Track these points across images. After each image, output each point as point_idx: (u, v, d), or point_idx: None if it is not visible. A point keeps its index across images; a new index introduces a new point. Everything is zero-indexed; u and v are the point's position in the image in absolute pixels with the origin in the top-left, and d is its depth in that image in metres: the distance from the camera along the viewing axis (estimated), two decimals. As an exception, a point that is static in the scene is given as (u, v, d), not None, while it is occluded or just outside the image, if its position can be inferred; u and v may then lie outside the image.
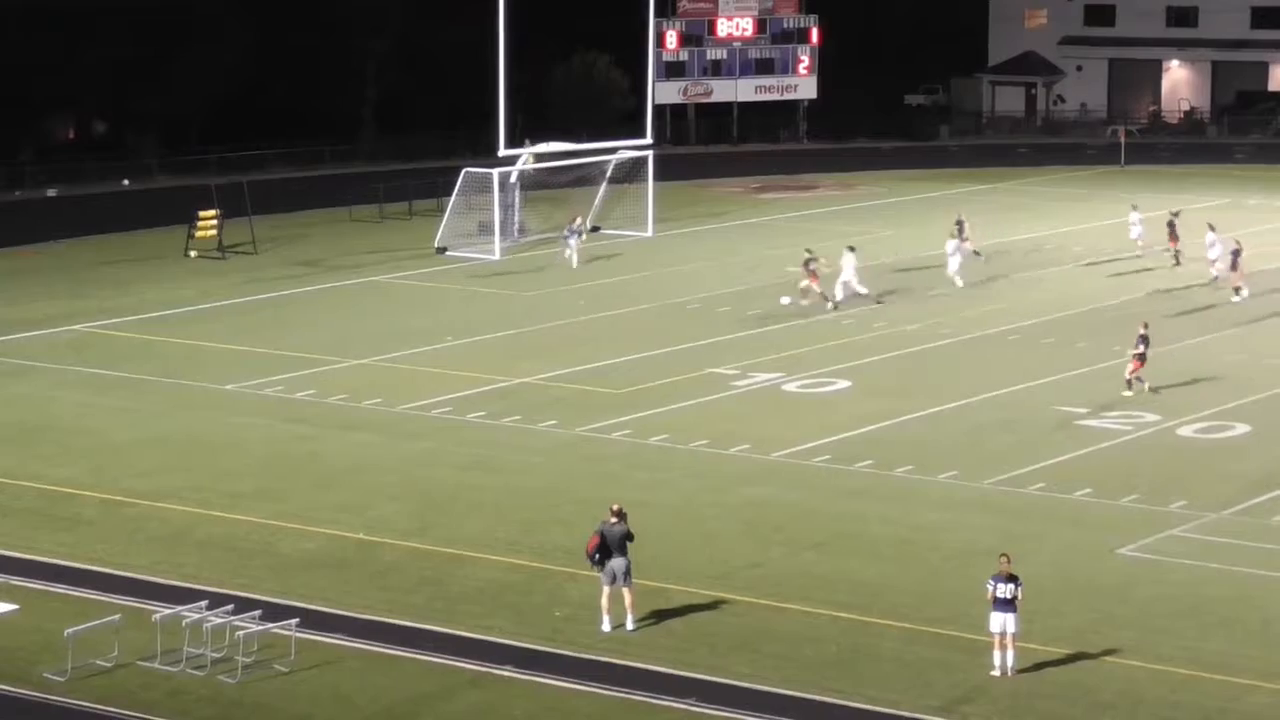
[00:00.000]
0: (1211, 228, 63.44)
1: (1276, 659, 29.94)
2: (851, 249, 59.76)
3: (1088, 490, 38.89)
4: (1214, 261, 62.16)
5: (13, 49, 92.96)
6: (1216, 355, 51.72)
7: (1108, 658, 29.90)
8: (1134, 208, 68.76)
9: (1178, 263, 64.79)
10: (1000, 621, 29.12)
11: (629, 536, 30.93)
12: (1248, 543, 35.66)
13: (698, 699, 28.26)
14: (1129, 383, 46.69)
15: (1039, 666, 29.49)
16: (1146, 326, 47.82)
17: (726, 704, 28.10)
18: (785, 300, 57.30)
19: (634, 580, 31.03)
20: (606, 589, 30.98)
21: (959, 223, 65.06)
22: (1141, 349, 46.76)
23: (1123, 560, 34.80)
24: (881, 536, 36.17)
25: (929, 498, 38.68)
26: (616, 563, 30.85)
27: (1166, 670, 29.42)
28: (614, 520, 30.97)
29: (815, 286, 57.14)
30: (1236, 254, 60.35)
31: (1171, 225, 65.42)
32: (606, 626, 30.95)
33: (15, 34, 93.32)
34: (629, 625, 30.98)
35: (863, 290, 58.29)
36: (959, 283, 61.10)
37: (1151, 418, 44.79)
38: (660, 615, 31.74)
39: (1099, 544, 35.55)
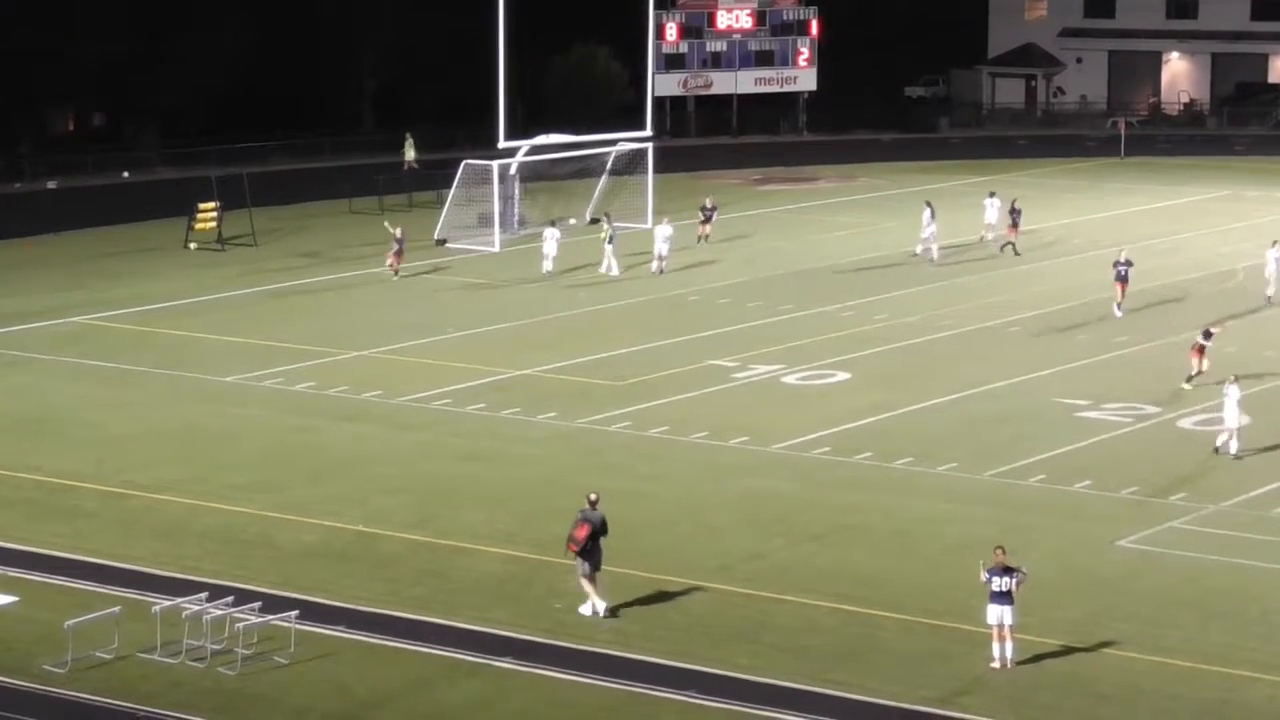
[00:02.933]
0: (928, 204, 66.25)
1: (1276, 651, 29.95)
2: (993, 194, 66.22)
3: (1087, 482, 38.89)
4: (991, 225, 66.42)
5: (12, 40, 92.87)
6: (1216, 347, 51.63)
7: (1107, 649, 29.92)
8: (991, 194, 69.98)
9: (1016, 252, 65.32)
10: (998, 614, 29.14)
11: (604, 525, 31.40)
12: (1247, 535, 35.68)
13: (697, 691, 28.27)
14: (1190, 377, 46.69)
15: (1038, 658, 29.50)
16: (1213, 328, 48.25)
17: (726, 696, 28.11)
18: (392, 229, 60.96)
19: (617, 570, 31.38)
20: (586, 576, 31.34)
21: (1014, 210, 65.88)
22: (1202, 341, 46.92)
23: (1122, 552, 34.81)
24: (881, 528, 36.17)
25: (929, 489, 38.68)
26: (593, 548, 31.22)
27: (1166, 662, 29.44)
28: (591, 508, 31.42)
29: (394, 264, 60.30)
30: (1016, 213, 64.61)
31: (1014, 213, 65.78)
32: (591, 611, 31.27)
33: (15, 25, 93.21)
34: (586, 610, 31.30)
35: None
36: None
37: (1151, 409, 44.79)
38: (660, 607, 31.76)
39: (1099, 536, 35.56)
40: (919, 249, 65.38)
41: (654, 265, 62.23)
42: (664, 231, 62.48)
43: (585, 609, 31.24)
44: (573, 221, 70.84)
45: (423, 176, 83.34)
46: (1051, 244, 68.78)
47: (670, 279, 61.77)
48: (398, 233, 61.92)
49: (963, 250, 66.18)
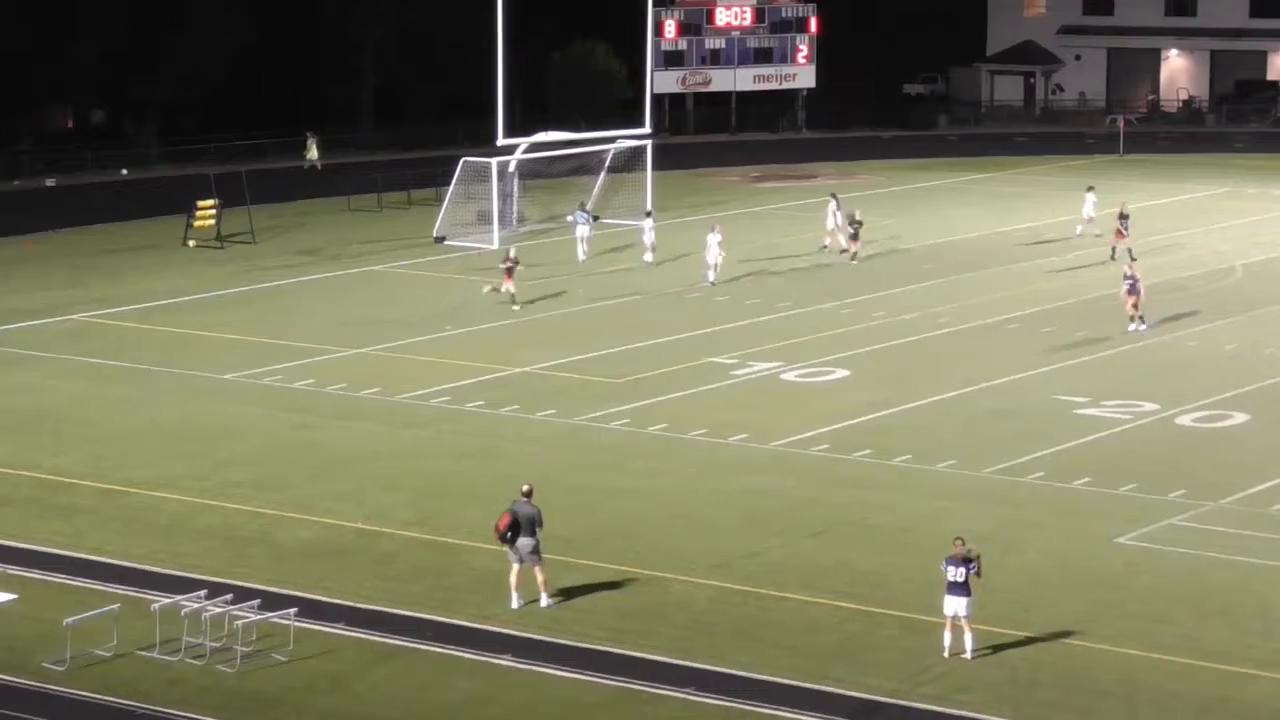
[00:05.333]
0: (833, 195, 67.71)
1: (1275, 647, 29.95)
2: (1091, 188, 68.32)
3: (1086, 479, 38.89)
4: (831, 231, 66.15)
5: (11, 37, 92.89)
6: (1215, 344, 51.71)
7: (1106, 646, 29.91)
8: (1090, 188, 70.28)
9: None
10: (952, 605, 29.23)
11: (538, 518, 31.40)
12: (1246, 531, 35.67)
13: (696, 688, 28.26)
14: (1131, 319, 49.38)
15: (1038, 655, 29.50)
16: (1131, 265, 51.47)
17: (725, 693, 28.11)
18: (486, 289, 57.55)
19: (544, 558, 31.45)
20: (515, 567, 31.38)
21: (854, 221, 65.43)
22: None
23: (1121, 549, 34.80)
24: (881, 525, 36.17)
25: (928, 486, 38.68)
26: (524, 542, 31.26)
27: (1165, 659, 29.43)
28: (524, 499, 31.42)
29: (508, 286, 56.32)
30: (857, 224, 64.31)
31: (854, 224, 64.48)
32: (515, 604, 31.31)
33: (13, 22, 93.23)
34: (543, 602, 31.33)
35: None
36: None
37: (1150, 406, 44.79)
38: (659, 604, 31.76)
39: (1098, 533, 35.56)
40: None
41: (708, 275, 59.88)
42: (715, 239, 60.10)
43: (513, 602, 31.32)
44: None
45: (325, 178, 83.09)
46: (1050, 242, 68.77)
47: (670, 277, 61.74)
48: (511, 252, 57.99)
49: (1065, 245, 66.40)
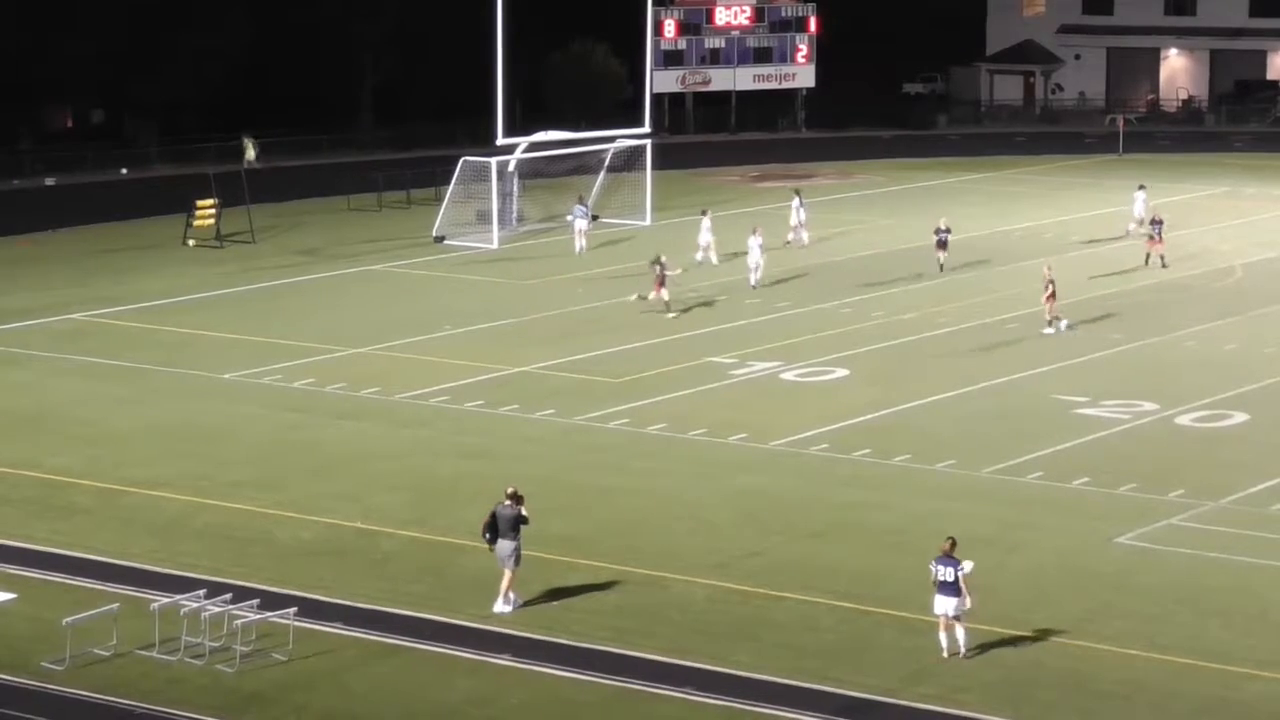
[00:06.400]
0: (797, 192, 69.05)
1: (1275, 647, 29.95)
2: (1143, 187, 69.38)
3: (1086, 479, 38.89)
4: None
5: (10, 36, 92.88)
6: (1214, 343, 51.71)
7: (1106, 646, 29.92)
8: (1141, 187, 70.36)
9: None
10: (942, 605, 29.25)
11: (522, 520, 31.36)
12: (1246, 531, 35.67)
13: (695, 687, 28.27)
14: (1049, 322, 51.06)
15: (1037, 655, 29.51)
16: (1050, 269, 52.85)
17: (724, 693, 28.11)
18: (634, 298, 55.75)
19: (519, 566, 31.39)
20: (504, 569, 31.43)
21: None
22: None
23: (1121, 549, 34.81)
24: (879, 525, 36.17)
25: (927, 486, 38.68)
26: (503, 545, 31.28)
27: (1165, 659, 29.44)
28: (508, 502, 31.42)
29: (661, 294, 54.95)
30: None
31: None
32: (499, 605, 31.37)
33: (12, 21, 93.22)
34: (497, 607, 31.25)
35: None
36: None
37: (1150, 406, 44.79)
38: (658, 604, 31.76)
39: (1097, 533, 35.56)
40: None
41: (751, 278, 59.30)
42: (756, 241, 59.43)
43: (495, 604, 31.32)
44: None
45: (264, 178, 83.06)
46: (1050, 241, 68.74)
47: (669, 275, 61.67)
48: (663, 258, 55.87)
49: (1104, 244, 66.34)
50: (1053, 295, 52.54)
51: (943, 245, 62.04)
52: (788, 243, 66.77)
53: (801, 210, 68.14)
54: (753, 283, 59.25)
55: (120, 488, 38.45)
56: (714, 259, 62.84)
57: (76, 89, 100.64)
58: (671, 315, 54.59)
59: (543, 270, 63.10)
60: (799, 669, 28.99)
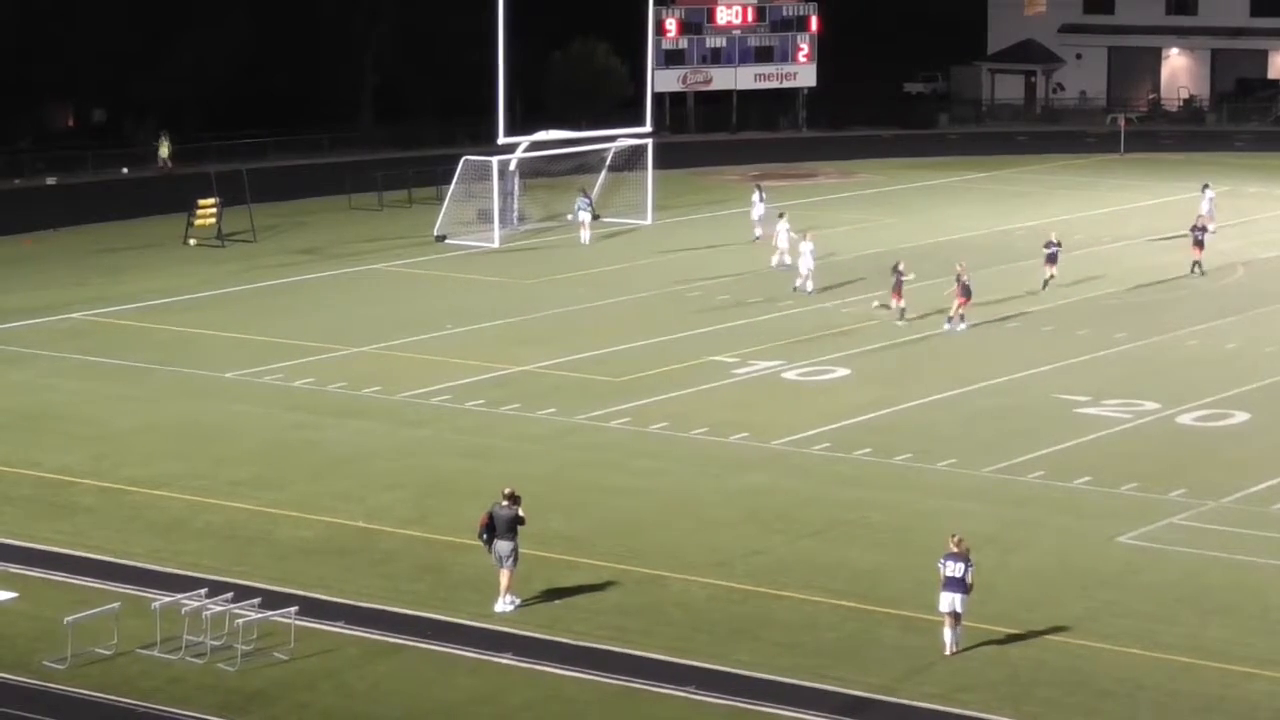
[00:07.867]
0: (758, 186, 69.82)
1: (1276, 646, 29.95)
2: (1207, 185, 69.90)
3: (1087, 478, 38.89)
4: (756, 222, 67.43)
5: (11, 35, 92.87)
6: (1216, 343, 51.73)
7: (1107, 645, 29.92)
8: (1205, 185, 71.22)
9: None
10: (949, 601, 29.24)
11: (519, 520, 31.36)
12: (1247, 530, 35.67)
13: (697, 686, 28.26)
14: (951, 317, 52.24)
15: (1039, 654, 29.51)
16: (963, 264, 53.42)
17: (726, 691, 28.11)
18: (875, 304, 55.39)
19: (518, 566, 31.40)
20: (498, 569, 31.46)
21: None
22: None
23: (1122, 548, 34.81)
24: (881, 524, 36.18)
25: (928, 485, 38.69)
26: (501, 545, 31.29)
27: (1166, 658, 29.44)
28: (505, 503, 31.41)
29: (899, 302, 54.22)
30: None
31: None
32: (500, 605, 31.36)
33: (14, 20, 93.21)
34: (498, 606, 31.29)
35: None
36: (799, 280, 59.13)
37: (1151, 405, 44.79)
38: (660, 603, 31.76)
39: (1098, 532, 35.56)
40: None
41: (801, 283, 58.32)
42: (808, 247, 58.51)
43: (496, 604, 31.34)
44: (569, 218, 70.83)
45: (177, 176, 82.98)
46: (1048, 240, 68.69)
47: (670, 275, 61.75)
48: (901, 265, 54.62)
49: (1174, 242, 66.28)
50: (964, 293, 52.48)
51: (1052, 260, 59.06)
52: (756, 239, 67.03)
53: (762, 204, 68.33)
54: (808, 289, 58.07)
55: (121, 487, 38.46)
56: (788, 260, 61.03)
57: (78, 88, 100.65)
58: (901, 323, 53.66)
59: (544, 269, 63.10)
60: (800, 667, 28.99)
